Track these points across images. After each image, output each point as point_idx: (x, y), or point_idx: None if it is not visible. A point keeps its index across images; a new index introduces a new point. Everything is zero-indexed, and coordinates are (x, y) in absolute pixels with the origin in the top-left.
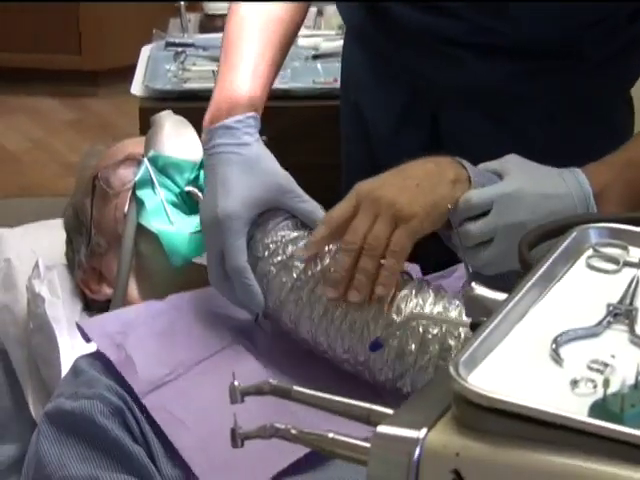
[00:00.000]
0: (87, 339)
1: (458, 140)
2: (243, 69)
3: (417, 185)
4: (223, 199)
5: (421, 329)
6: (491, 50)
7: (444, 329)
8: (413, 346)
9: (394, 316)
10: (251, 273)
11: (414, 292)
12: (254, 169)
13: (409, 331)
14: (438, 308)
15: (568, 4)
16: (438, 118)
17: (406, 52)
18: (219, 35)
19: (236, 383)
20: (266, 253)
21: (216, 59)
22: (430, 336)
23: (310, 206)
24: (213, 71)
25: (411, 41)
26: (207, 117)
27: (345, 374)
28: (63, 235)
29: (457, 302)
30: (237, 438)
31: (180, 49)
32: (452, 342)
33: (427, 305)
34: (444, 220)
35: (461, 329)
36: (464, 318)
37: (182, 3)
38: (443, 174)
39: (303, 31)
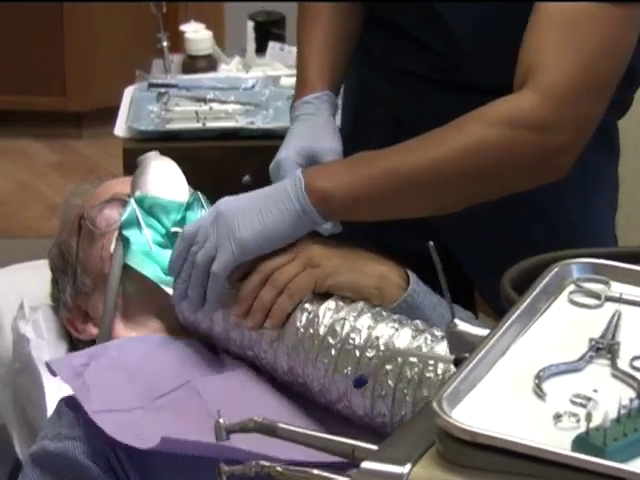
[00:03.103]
0: (53, 374)
1: None
2: (314, 58)
3: (346, 257)
4: (283, 147)
5: (399, 358)
6: (456, 86)
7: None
8: (390, 374)
9: (330, 339)
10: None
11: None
12: (313, 128)
13: (387, 353)
14: (418, 342)
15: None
16: None
17: (384, 84)
18: (201, 76)
19: (221, 420)
20: None
21: (199, 99)
22: (408, 366)
23: None
24: (196, 112)
25: (387, 75)
26: (293, 99)
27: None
28: (48, 276)
29: (438, 334)
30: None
31: (163, 90)
32: (430, 375)
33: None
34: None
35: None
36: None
37: (165, 44)
38: (379, 264)
39: (285, 71)
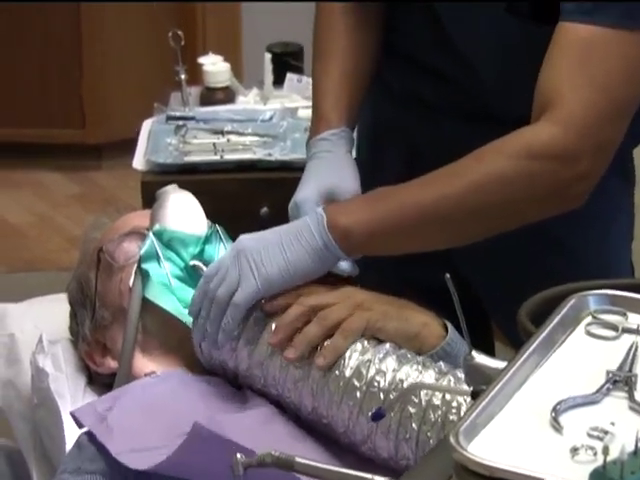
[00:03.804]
0: (79, 425)
1: None
2: (330, 94)
3: (391, 304)
4: (301, 187)
5: (423, 400)
6: (472, 116)
7: (447, 395)
8: (414, 417)
9: (355, 381)
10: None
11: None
12: (331, 167)
13: (411, 402)
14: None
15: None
16: None
17: (399, 114)
18: (219, 108)
19: (238, 456)
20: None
21: (217, 132)
22: (432, 409)
23: None
24: (214, 144)
25: (401, 104)
26: (309, 135)
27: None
28: (67, 309)
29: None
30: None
31: (181, 122)
32: (453, 417)
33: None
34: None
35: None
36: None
37: (183, 77)
38: (420, 313)
39: (303, 102)
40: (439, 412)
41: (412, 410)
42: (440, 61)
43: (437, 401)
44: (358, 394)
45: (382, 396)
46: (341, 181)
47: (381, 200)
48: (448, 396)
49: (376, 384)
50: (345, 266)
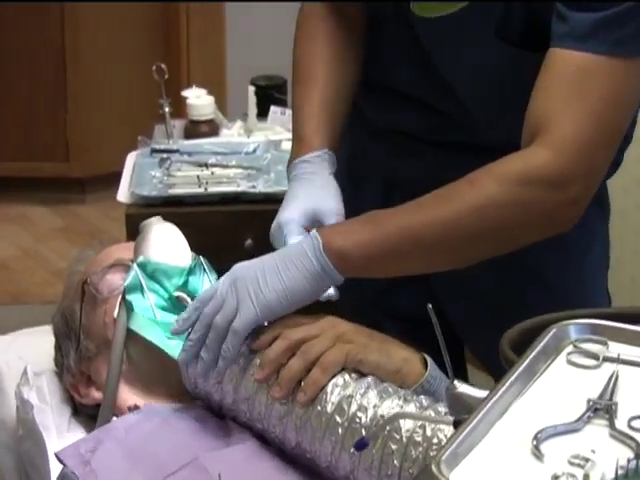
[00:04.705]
0: (62, 463)
1: None
2: (311, 118)
3: (372, 337)
4: (284, 208)
5: (404, 437)
6: (450, 145)
7: (428, 432)
8: (396, 454)
9: (337, 417)
10: None
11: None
12: (315, 188)
13: (392, 432)
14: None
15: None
16: None
17: (376, 146)
18: (203, 141)
19: None
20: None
21: (201, 164)
22: (413, 445)
23: None
24: (198, 176)
25: (378, 136)
26: (290, 158)
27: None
28: (52, 341)
29: (442, 410)
30: None
31: (165, 155)
32: (435, 453)
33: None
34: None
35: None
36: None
37: (167, 110)
38: (401, 347)
39: (286, 135)
40: (420, 449)
41: (394, 447)
42: (424, 92)
43: (418, 437)
44: (340, 430)
45: (364, 432)
46: (324, 202)
47: (377, 223)
48: (429, 432)
49: (358, 420)
50: (331, 291)
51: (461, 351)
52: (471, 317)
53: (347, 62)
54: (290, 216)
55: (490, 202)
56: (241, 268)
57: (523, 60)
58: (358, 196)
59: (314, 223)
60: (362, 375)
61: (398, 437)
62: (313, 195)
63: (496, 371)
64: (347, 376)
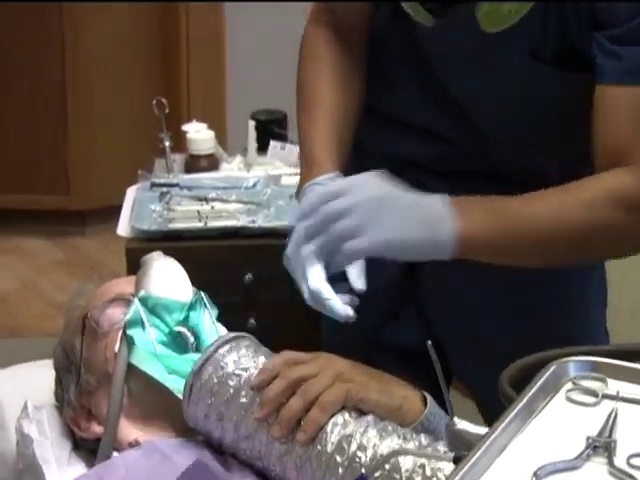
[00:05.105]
0: None
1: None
2: (321, 142)
3: (372, 376)
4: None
5: (404, 477)
6: (450, 174)
7: (428, 472)
8: None
9: (337, 457)
10: (330, 290)
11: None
12: None
13: (392, 472)
14: (421, 460)
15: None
16: None
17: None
18: (203, 175)
19: None
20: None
21: (201, 199)
22: None
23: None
24: (198, 211)
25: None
26: (300, 182)
27: None
28: (52, 375)
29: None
30: None
31: (165, 189)
32: None
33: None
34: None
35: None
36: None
37: (167, 144)
38: (400, 385)
39: (286, 170)
40: None
41: None
42: (437, 122)
43: (418, 477)
44: (340, 470)
45: (364, 472)
46: None
47: (499, 213)
48: (429, 472)
49: (358, 459)
50: (350, 312)
51: (449, 380)
52: (467, 351)
53: (352, 86)
54: None
55: (606, 223)
56: (380, 196)
57: (551, 80)
58: None
59: None
60: (362, 413)
61: (398, 477)
62: None
63: (486, 405)
64: (347, 415)
